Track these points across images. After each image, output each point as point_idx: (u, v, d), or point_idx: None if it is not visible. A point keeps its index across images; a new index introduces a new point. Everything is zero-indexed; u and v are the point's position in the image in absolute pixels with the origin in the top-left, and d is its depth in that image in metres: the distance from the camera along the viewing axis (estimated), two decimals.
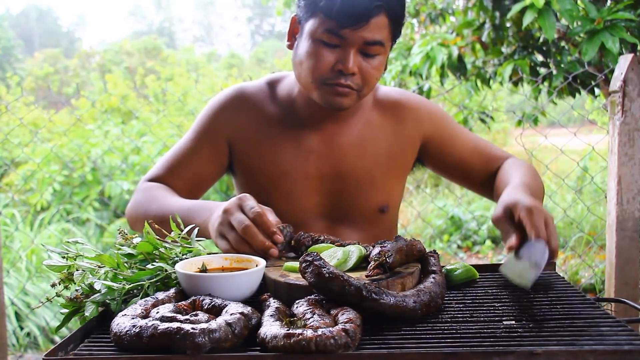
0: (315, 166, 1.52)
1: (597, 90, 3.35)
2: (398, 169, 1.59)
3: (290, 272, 1.06)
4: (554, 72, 3.18)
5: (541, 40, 3.29)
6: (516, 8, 2.74)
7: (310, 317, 0.84)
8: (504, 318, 0.92)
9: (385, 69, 1.48)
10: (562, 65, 3.13)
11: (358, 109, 1.54)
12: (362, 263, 1.07)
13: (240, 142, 1.54)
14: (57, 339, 3.56)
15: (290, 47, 1.47)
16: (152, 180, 1.56)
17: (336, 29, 1.33)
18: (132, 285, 1.00)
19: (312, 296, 0.92)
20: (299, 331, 0.77)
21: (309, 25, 1.38)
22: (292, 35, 1.47)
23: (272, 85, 1.57)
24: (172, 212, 1.30)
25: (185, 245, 1.16)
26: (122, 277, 1.02)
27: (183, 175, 1.54)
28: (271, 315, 0.85)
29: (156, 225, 1.16)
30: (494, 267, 1.23)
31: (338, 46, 1.35)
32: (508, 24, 3.26)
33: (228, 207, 1.19)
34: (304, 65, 1.40)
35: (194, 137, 1.57)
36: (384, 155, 1.55)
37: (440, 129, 1.60)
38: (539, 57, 3.31)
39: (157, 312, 0.86)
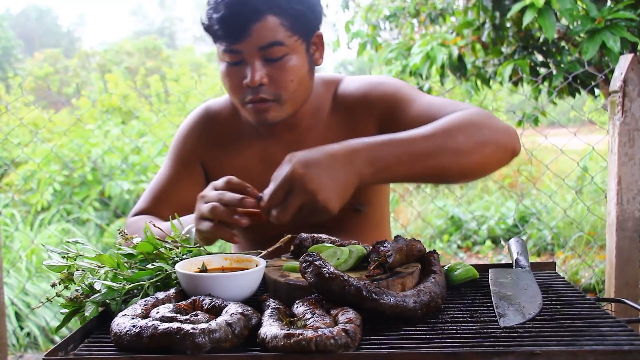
0: None
1: (597, 90, 3.35)
2: None
3: (290, 272, 1.06)
4: (554, 72, 3.18)
5: (541, 40, 3.29)
6: (516, 7, 2.74)
7: (310, 317, 0.84)
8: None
9: (317, 64, 1.43)
10: (562, 65, 3.13)
11: (317, 111, 1.49)
12: (362, 263, 1.07)
13: (211, 162, 1.56)
14: (57, 339, 3.56)
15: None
16: (138, 214, 1.58)
17: (228, 47, 1.32)
18: (132, 285, 1.00)
19: (312, 296, 0.92)
20: (299, 331, 0.77)
21: (216, 49, 1.39)
22: None
23: None
24: (162, 232, 1.29)
25: (185, 245, 1.16)
26: (122, 277, 1.02)
27: (167, 205, 1.55)
28: (271, 315, 0.85)
29: (156, 225, 1.16)
30: (494, 267, 1.23)
31: (242, 61, 1.33)
32: (508, 24, 3.26)
33: (197, 201, 1.21)
34: (225, 86, 1.41)
35: (170, 164, 1.60)
36: None
37: (393, 106, 1.42)
38: (539, 57, 3.31)
39: (157, 312, 0.86)
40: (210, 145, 1.56)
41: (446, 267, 1.15)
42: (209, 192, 1.19)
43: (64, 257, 1.06)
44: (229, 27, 1.30)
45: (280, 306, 0.90)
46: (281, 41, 1.31)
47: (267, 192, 1.06)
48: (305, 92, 1.41)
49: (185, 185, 1.56)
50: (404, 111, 1.39)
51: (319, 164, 1.03)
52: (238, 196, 1.14)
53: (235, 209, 1.14)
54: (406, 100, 1.40)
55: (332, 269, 0.89)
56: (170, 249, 1.13)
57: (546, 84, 3.29)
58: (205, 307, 0.90)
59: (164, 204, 1.55)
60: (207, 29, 1.35)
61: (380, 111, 1.43)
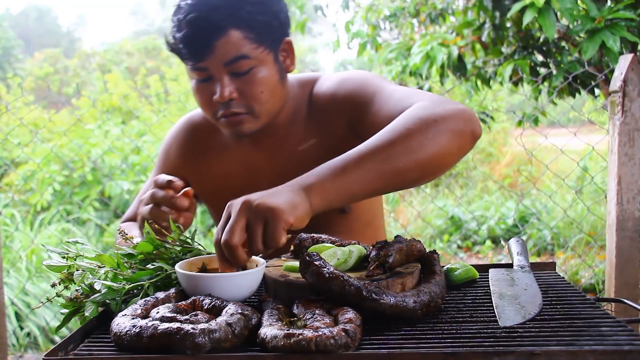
0: (266, 184, 1.42)
1: (597, 90, 3.35)
2: None
3: (290, 272, 1.06)
4: (554, 72, 3.18)
5: (541, 40, 3.29)
6: (516, 7, 2.74)
7: (310, 317, 0.84)
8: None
9: (288, 71, 1.41)
10: (562, 65, 3.13)
11: (295, 115, 1.46)
12: (362, 263, 1.07)
13: (193, 175, 1.57)
14: (57, 339, 3.56)
15: None
16: (127, 221, 1.63)
17: (194, 65, 1.32)
18: (132, 285, 1.00)
19: (312, 296, 0.92)
20: (299, 331, 0.77)
21: (185, 68, 1.38)
22: None
23: None
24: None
25: (185, 245, 1.16)
26: (122, 277, 1.02)
27: None
28: (271, 315, 0.85)
29: (156, 226, 1.16)
30: (494, 267, 1.23)
31: (210, 78, 1.33)
32: (508, 24, 3.26)
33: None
34: (197, 104, 1.41)
35: (155, 174, 1.63)
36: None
37: (357, 103, 1.36)
38: (539, 57, 3.31)
39: (157, 312, 0.86)
40: (192, 155, 1.57)
41: (446, 267, 1.15)
42: (146, 194, 1.25)
43: (64, 257, 1.06)
44: (193, 46, 1.29)
45: (280, 306, 0.90)
46: (246, 54, 1.30)
47: (225, 236, 0.96)
48: (279, 100, 1.40)
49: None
50: (367, 107, 1.33)
51: (267, 193, 0.98)
52: (167, 195, 1.21)
53: (169, 206, 1.22)
54: (369, 95, 1.34)
55: (332, 269, 0.89)
56: (170, 249, 1.12)
57: (546, 84, 3.29)
58: (205, 307, 0.90)
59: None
60: (172, 48, 1.35)
61: (347, 109, 1.38)
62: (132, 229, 1.49)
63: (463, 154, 1.16)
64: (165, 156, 1.63)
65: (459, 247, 5.64)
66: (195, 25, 1.27)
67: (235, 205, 0.98)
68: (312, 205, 1.00)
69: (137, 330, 0.80)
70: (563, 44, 3.27)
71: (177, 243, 1.15)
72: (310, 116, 1.46)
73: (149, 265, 1.06)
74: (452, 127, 1.11)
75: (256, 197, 0.98)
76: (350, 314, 0.83)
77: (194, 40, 1.29)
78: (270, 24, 1.33)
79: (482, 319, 0.92)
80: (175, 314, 0.85)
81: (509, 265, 1.22)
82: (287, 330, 0.77)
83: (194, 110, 1.62)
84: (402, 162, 1.07)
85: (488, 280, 1.12)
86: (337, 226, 1.48)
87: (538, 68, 3.29)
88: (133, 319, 0.84)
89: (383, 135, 1.10)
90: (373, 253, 1.02)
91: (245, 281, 1.00)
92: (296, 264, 1.02)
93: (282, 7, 1.37)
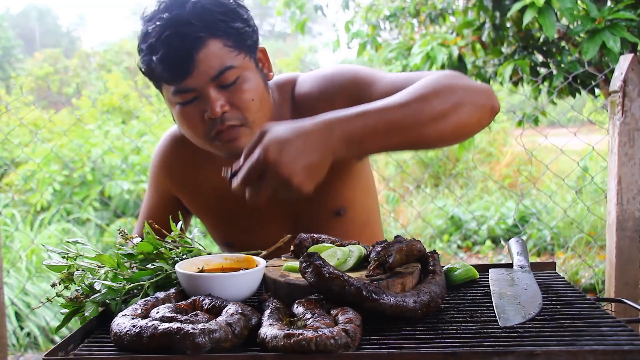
0: None
1: (597, 90, 3.35)
2: (342, 168, 1.44)
3: (290, 272, 1.06)
4: (554, 72, 3.18)
5: (541, 40, 3.29)
6: (516, 7, 2.74)
7: (310, 317, 0.84)
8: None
9: (268, 79, 1.37)
10: (562, 65, 3.13)
11: (279, 120, 1.33)
12: (362, 263, 1.07)
13: (183, 191, 1.55)
14: (57, 339, 3.56)
15: (174, 120, 1.38)
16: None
17: (178, 87, 1.25)
18: (132, 285, 1.00)
19: (312, 296, 0.92)
20: (299, 331, 0.77)
21: (165, 96, 1.32)
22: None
23: None
24: None
25: (185, 245, 1.16)
26: (122, 277, 1.02)
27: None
28: (271, 315, 0.85)
29: (156, 226, 1.16)
30: (494, 267, 1.23)
31: (196, 97, 1.26)
32: (508, 24, 3.26)
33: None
34: (185, 131, 1.34)
35: (150, 195, 1.61)
36: None
37: (354, 95, 1.34)
38: (539, 57, 3.31)
39: (157, 312, 0.86)
40: (179, 173, 1.53)
41: (446, 267, 1.15)
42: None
43: (64, 257, 1.06)
44: (174, 64, 1.22)
45: (280, 306, 0.90)
46: (231, 64, 1.25)
47: (240, 173, 0.99)
48: (267, 108, 1.35)
49: (165, 211, 1.53)
50: (366, 96, 1.28)
51: (293, 146, 0.96)
52: None
53: None
54: (367, 84, 1.33)
55: (332, 269, 0.89)
56: (170, 249, 1.13)
57: (546, 84, 3.29)
58: (205, 307, 0.90)
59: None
60: (149, 74, 1.29)
61: (343, 103, 1.29)
62: None
63: (481, 128, 1.18)
64: (155, 178, 1.59)
65: (459, 247, 5.64)
66: (172, 42, 1.21)
67: (267, 164, 0.95)
68: (335, 152, 1.01)
69: (137, 330, 0.80)
70: (563, 44, 3.27)
71: (177, 243, 1.15)
72: (295, 116, 1.36)
73: (149, 265, 1.06)
74: (476, 100, 1.13)
75: (287, 161, 0.95)
76: (350, 314, 0.83)
77: (175, 58, 1.22)
78: (244, 30, 1.29)
79: (482, 319, 0.92)
80: (175, 314, 0.85)
81: (509, 265, 1.22)
82: (287, 330, 0.77)
83: (175, 126, 1.53)
84: (425, 127, 1.08)
85: (488, 280, 1.12)
86: (332, 229, 1.46)
87: (538, 68, 3.29)
88: (133, 319, 0.84)
89: (410, 95, 1.09)
90: (373, 253, 1.02)
91: (245, 281, 1.00)
92: (296, 264, 1.02)
93: (249, 15, 1.33)
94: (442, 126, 1.10)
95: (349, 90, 1.35)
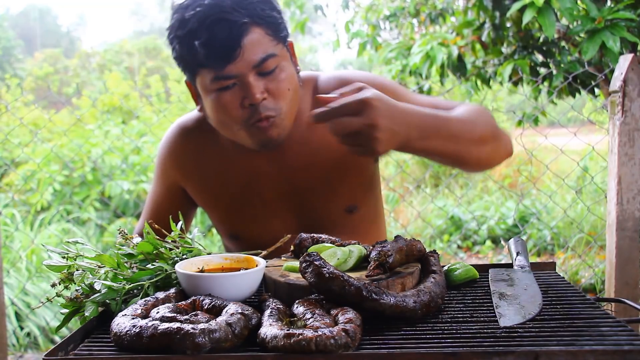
0: (269, 187, 1.46)
1: (597, 90, 3.35)
2: (357, 166, 1.48)
3: (290, 272, 1.06)
4: (554, 72, 3.18)
5: (541, 40, 3.29)
6: (516, 6, 2.74)
7: (310, 317, 0.84)
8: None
9: (298, 70, 1.39)
10: (562, 65, 3.13)
11: (298, 114, 1.41)
12: (362, 263, 1.07)
13: (190, 182, 1.53)
14: (57, 339, 3.56)
15: (201, 110, 1.40)
16: (139, 234, 1.57)
17: (220, 72, 1.25)
18: (132, 285, 1.00)
19: (312, 296, 0.92)
20: (299, 331, 0.77)
21: (199, 83, 1.32)
22: (196, 98, 1.40)
23: None
24: None
25: (185, 245, 1.16)
26: (122, 277, 1.02)
27: (160, 223, 1.52)
28: (271, 315, 0.85)
29: (156, 225, 1.16)
30: (494, 267, 1.23)
31: (235, 84, 1.27)
32: (508, 24, 3.26)
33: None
34: (218, 120, 1.33)
35: (155, 187, 1.60)
36: (336, 156, 1.42)
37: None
38: (539, 57, 3.31)
39: (157, 312, 0.86)
40: (188, 165, 1.52)
41: (446, 267, 1.15)
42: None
43: (64, 257, 1.06)
44: (218, 50, 1.22)
45: (280, 306, 0.90)
46: (272, 52, 1.28)
47: (336, 102, 1.05)
48: (297, 100, 1.37)
49: (174, 205, 1.54)
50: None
51: (392, 108, 1.06)
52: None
53: None
54: (403, 97, 1.38)
55: (332, 269, 0.89)
56: (170, 249, 1.13)
57: (546, 84, 3.29)
58: (205, 307, 0.90)
59: (159, 223, 1.53)
60: (188, 60, 1.28)
61: None
62: None
63: (497, 164, 1.39)
64: (161, 168, 1.58)
65: (459, 247, 5.64)
66: (217, 28, 1.22)
67: (368, 106, 1.03)
68: (408, 137, 1.10)
69: (137, 330, 0.80)
70: (563, 44, 3.27)
71: (177, 243, 1.15)
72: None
73: (149, 265, 1.06)
74: (505, 139, 1.36)
75: (384, 114, 1.04)
76: (350, 314, 0.83)
77: (220, 43, 1.22)
78: (280, 21, 1.32)
79: (482, 319, 0.92)
80: (175, 314, 0.85)
81: (509, 265, 1.22)
82: (287, 330, 0.77)
83: (185, 116, 1.55)
84: (470, 146, 1.24)
85: (488, 280, 1.12)
86: (343, 226, 1.48)
87: (538, 68, 3.28)
88: (133, 319, 0.84)
89: (465, 114, 1.26)
90: (373, 253, 1.02)
91: (245, 281, 1.00)
92: (296, 264, 1.02)
93: (281, 7, 1.37)
94: (481, 149, 1.27)
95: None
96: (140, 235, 1.55)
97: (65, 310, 0.99)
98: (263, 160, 1.46)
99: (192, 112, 1.55)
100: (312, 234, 1.22)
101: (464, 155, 1.25)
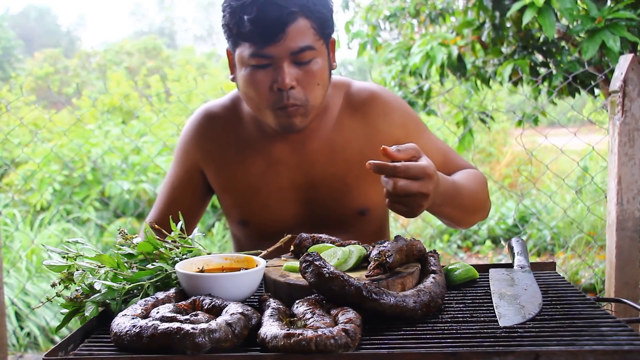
0: (287, 177, 1.51)
1: (597, 90, 3.35)
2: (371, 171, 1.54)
3: (290, 272, 1.06)
4: (554, 72, 3.18)
5: (541, 40, 3.29)
6: (516, 6, 2.73)
7: (310, 317, 0.84)
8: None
9: (332, 68, 1.44)
10: (562, 65, 3.13)
11: (326, 112, 1.50)
12: (362, 263, 1.07)
13: (210, 165, 1.56)
14: (57, 339, 3.56)
15: (234, 79, 1.44)
16: (153, 221, 1.56)
17: (259, 50, 1.30)
18: (132, 285, 1.00)
19: (312, 296, 0.92)
20: (299, 331, 0.77)
21: (237, 54, 1.36)
22: (232, 67, 1.44)
23: (236, 101, 1.57)
24: None
25: (185, 245, 1.16)
26: (122, 277, 1.02)
27: (176, 210, 1.50)
28: (271, 315, 0.85)
29: (156, 226, 1.16)
30: (494, 267, 1.23)
31: (269, 65, 1.32)
32: (508, 24, 3.26)
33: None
34: (246, 93, 1.38)
35: (174, 171, 1.62)
36: (357, 159, 1.48)
37: (411, 135, 1.52)
38: (539, 57, 3.31)
39: (157, 312, 0.86)
40: (210, 148, 1.56)
41: (446, 267, 1.15)
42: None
43: (64, 257, 1.06)
44: (263, 29, 1.28)
45: (280, 306, 0.90)
46: (312, 45, 1.33)
47: (404, 163, 1.11)
48: (323, 96, 1.42)
49: (190, 191, 1.59)
50: (417, 138, 1.51)
51: (438, 181, 1.17)
52: None
53: None
54: (424, 140, 1.52)
55: (332, 269, 0.89)
56: (170, 249, 1.13)
57: (546, 84, 3.29)
58: (205, 307, 0.90)
59: (174, 210, 1.54)
60: (234, 30, 1.32)
61: (399, 135, 1.50)
62: None
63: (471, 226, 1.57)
64: (183, 150, 1.60)
65: (459, 247, 5.64)
66: (267, 9, 1.27)
67: (430, 177, 1.12)
68: (433, 202, 1.20)
69: (137, 330, 0.80)
70: (563, 44, 3.26)
71: (177, 243, 1.15)
72: (346, 115, 1.51)
73: (149, 265, 1.06)
74: (488, 208, 1.55)
75: (435, 188, 1.15)
76: (350, 314, 0.83)
77: (266, 24, 1.27)
78: (328, 18, 1.37)
79: (482, 319, 0.92)
80: (175, 314, 0.85)
81: (509, 265, 1.22)
82: (287, 330, 0.77)
83: (211, 102, 1.60)
84: (468, 214, 1.45)
85: (488, 280, 1.12)
86: (354, 227, 1.53)
87: (538, 68, 3.28)
88: (133, 319, 0.84)
89: (472, 186, 1.44)
90: (373, 253, 1.02)
91: (245, 281, 1.00)
92: (296, 264, 1.02)
93: (333, 6, 1.41)
94: (474, 217, 1.49)
95: (408, 128, 1.54)
96: (158, 217, 1.58)
97: (65, 310, 0.99)
98: (285, 150, 1.50)
99: (218, 99, 1.61)
100: (312, 234, 1.23)
101: (461, 220, 1.44)
